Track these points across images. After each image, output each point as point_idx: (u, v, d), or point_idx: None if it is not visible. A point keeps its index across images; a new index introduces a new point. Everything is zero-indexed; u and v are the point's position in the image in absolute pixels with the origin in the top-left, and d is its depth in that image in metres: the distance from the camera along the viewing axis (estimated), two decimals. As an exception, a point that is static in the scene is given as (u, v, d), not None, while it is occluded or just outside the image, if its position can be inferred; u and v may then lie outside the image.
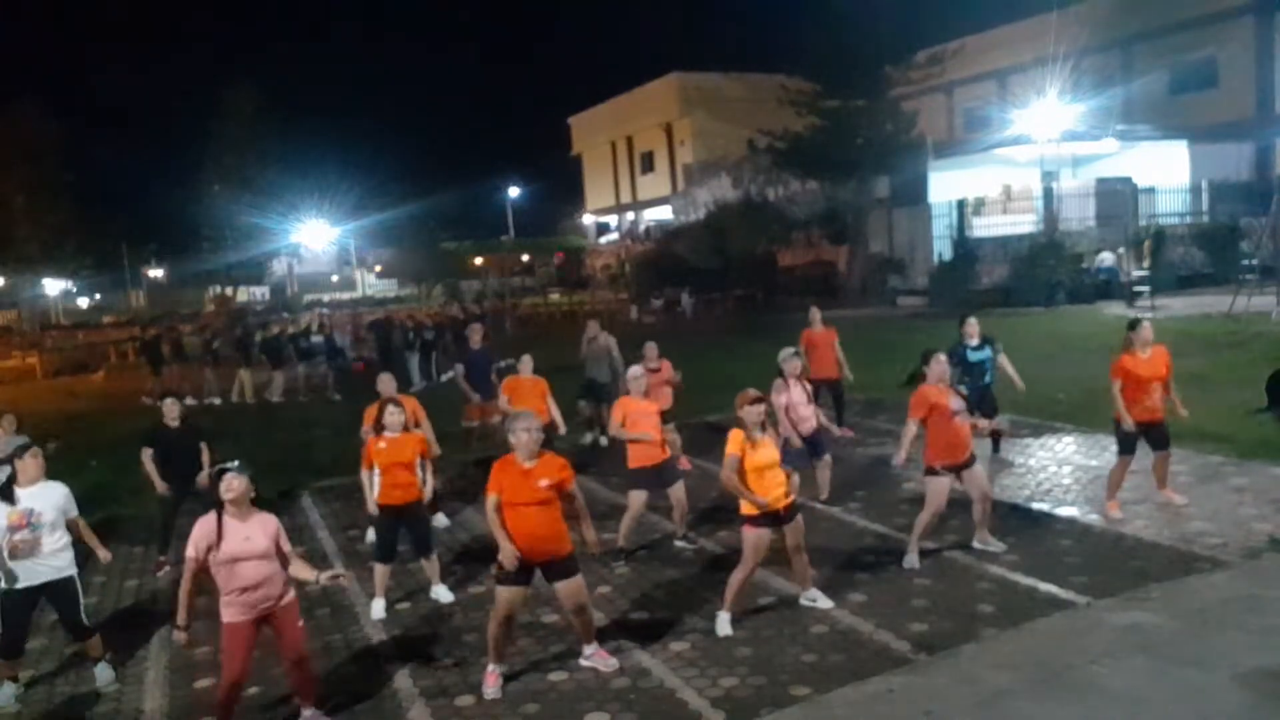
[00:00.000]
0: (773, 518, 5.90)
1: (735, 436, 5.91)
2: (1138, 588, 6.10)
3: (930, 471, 6.87)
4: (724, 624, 6.01)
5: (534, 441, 5.37)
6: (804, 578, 6.28)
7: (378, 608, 6.80)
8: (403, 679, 5.71)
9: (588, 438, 11.12)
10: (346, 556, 8.23)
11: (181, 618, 5.03)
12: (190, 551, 4.97)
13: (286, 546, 5.18)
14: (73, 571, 5.92)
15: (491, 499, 5.35)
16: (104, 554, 6.10)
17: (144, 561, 8.47)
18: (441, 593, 7.02)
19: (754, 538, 5.93)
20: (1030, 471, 9.20)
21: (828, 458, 8.55)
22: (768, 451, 5.91)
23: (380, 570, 6.89)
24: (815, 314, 11.36)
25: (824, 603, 6.23)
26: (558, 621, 6.33)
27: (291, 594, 5.17)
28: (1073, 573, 6.49)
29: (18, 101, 41.91)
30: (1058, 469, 9.23)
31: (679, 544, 7.79)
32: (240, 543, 4.93)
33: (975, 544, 7.10)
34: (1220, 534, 7.02)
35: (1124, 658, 5.16)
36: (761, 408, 5.94)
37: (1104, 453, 9.58)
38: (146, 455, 8.12)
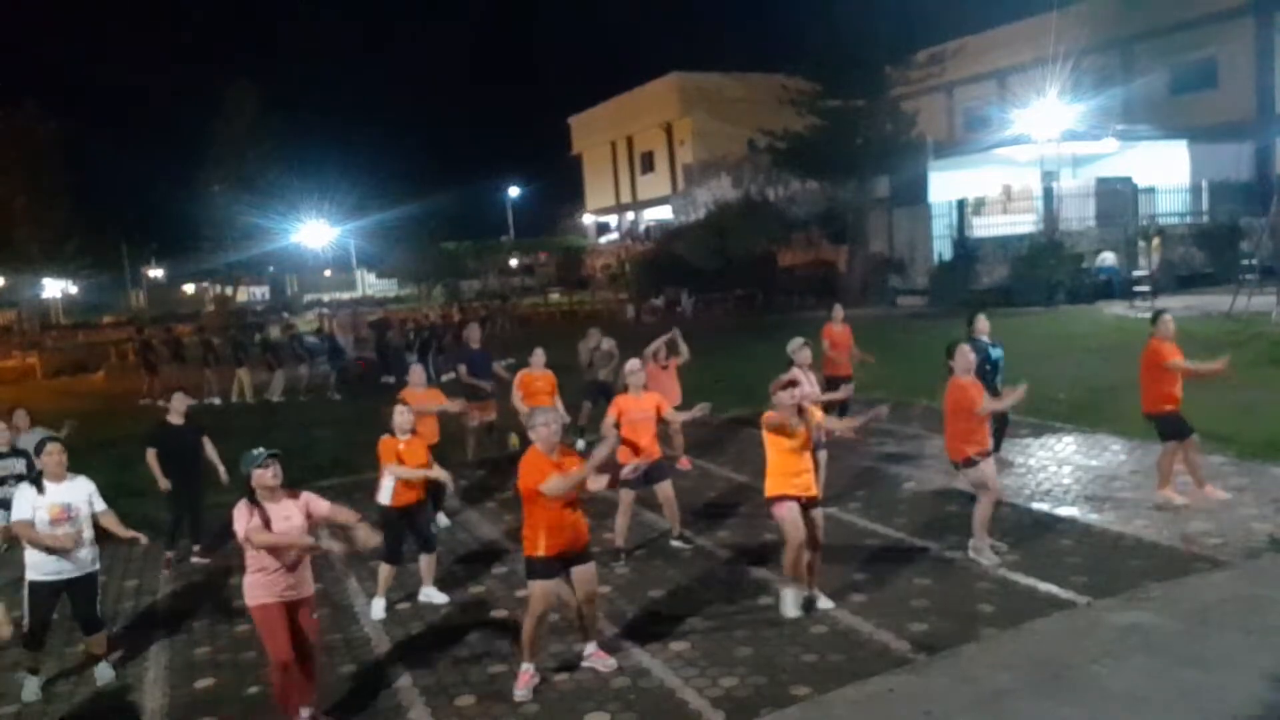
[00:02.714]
0: (800, 501, 6.04)
1: (776, 419, 6.05)
2: (1138, 588, 6.10)
3: (968, 463, 6.85)
4: (790, 604, 6.11)
5: (554, 434, 5.43)
6: (813, 577, 6.29)
7: (378, 607, 6.81)
8: (403, 679, 5.72)
9: (580, 444, 11.15)
10: (348, 556, 8.23)
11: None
12: (241, 533, 5.03)
13: (325, 510, 5.25)
14: (97, 567, 6.01)
15: (542, 484, 5.23)
16: (131, 535, 6.05)
17: (144, 561, 8.48)
18: (432, 594, 7.00)
19: (785, 512, 6.04)
20: (1030, 471, 9.19)
21: (822, 455, 8.49)
22: (801, 436, 6.05)
23: (386, 570, 6.92)
24: (838, 311, 11.47)
25: (824, 603, 6.23)
26: (558, 621, 6.33)
27: (311, 588, 5.26)
28: (1073, 573, 6.49)
29: (18, 101, 41.87)
30: (1058, 469, 9.23)
31: (675, 544, 7.78)
32: (281, 523, 5.03)
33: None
34: (1220, 534, 7.02)
35: (1124, 658, 5.16)
36: (796, 391, 6.07)
37: (1104, 453, 9.59)
38: (151, 455, 8.24)
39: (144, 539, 6.21)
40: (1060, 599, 6.09)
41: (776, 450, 6.10)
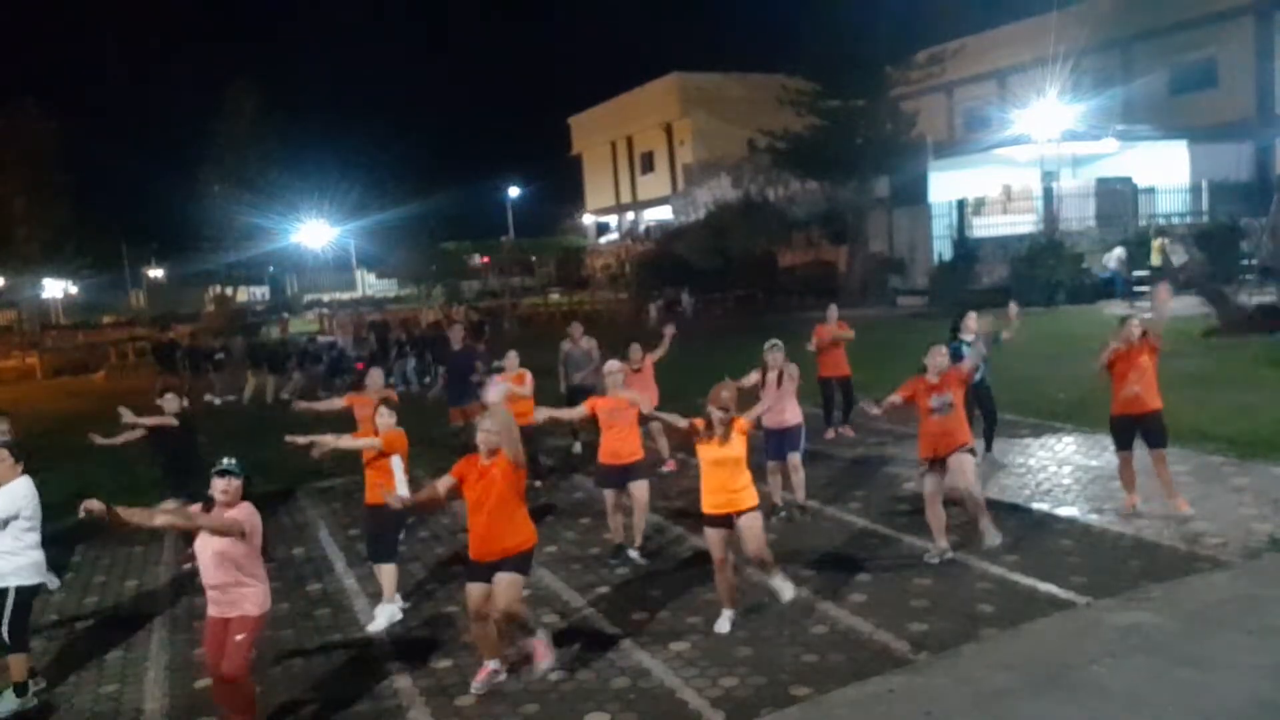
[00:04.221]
0: (723, 520, 5.92)
1: (697, 422, 6.00)
2: (1138, 588, 6.10)
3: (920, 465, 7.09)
4: (723, 622, 6.02)
5: (487, 440, 5.41)
6: (766, 572, 6.13)
7: (385, 611, 6.76)
8: (403, 679, 5.72)
9: (576, 447, 11.10)
10: (347, 556, 8.23)
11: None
12: (187, 513, 5.18)
13: (231, 525, 4.93)
14: (7, 584, 5.67)
15: (448, 479, 5.45)
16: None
17: (143, 561, 8.49)
18: (380, 610, 6.70)
19: (705, 535, 6.08)
20: (1030, 471, 9.19)
21: (795, 458, 8.22)
22: (715, 450, 5.91)
23: (382, 570, 6.87)
24: (832, 311, 11.52)
25: (787, 594, 6.01)
26: (557, 621, 6.34)
27: (246, 611, 4.99)
28: (1073, 573, 6.49)
29: (18, 101, 41.80)
30: (1058, 469, 9.23)
31: (631, 553, 7.50)
32: (201, 537, 5.02)
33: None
34: (1220, 534, 7.01)
35: (1124, 658, 5.16)
36: (721, 413, 5.88)
37: (1104, 452, 9.57)
38: (138, 417, 8.55)
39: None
40: (1060, 599, 6.09)
41: (703, 459, 6.00)
